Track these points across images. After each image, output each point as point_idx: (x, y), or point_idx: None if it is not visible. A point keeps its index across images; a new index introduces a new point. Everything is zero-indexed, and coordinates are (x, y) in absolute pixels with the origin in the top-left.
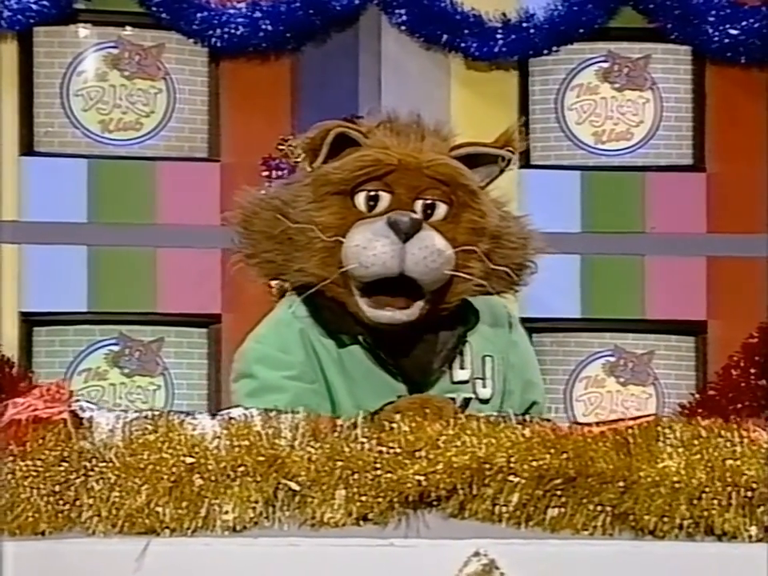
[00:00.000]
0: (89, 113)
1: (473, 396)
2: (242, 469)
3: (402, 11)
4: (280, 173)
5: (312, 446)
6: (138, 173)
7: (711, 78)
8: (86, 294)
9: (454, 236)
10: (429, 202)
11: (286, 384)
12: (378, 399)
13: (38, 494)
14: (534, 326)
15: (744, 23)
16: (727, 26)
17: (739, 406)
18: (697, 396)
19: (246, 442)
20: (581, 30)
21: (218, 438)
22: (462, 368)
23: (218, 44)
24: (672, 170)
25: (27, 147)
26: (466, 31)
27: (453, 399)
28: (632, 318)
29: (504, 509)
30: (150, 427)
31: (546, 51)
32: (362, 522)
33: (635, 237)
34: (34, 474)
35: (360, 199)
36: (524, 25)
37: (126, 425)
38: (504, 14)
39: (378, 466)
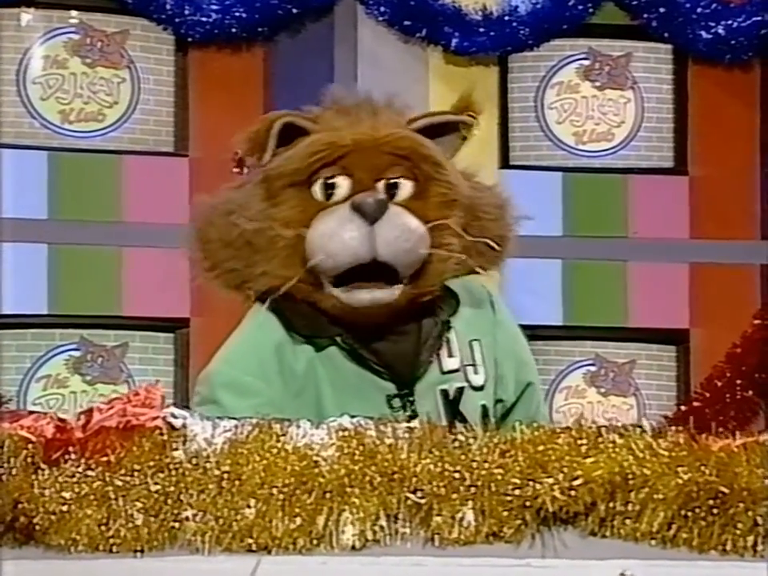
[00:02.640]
0: (47, 102)
1: (465, 385)
2: (360, 481)
3: (380, 1)
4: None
5: (432, 457)
6: (102, 167)
7: (693, 78)
8: (45, 296)
9: (425, 213)
10: (392, 181)
11: (250, 414)
12: (365, 402)
13: (136, 508)
14: None
15: (731, 21)
16: (713, 24)
17: (725, 417)
18: (683, 408)
19: (362, 452)
20: (565, 26)
21: (330, 447)
22: (450, 356)
23: (187, 31)
24: (653, 173)
25: None
26: (446, 24)
27: (445, 391)
28: (614, 326)
29: (648, 527)
30: (252, 436)
31: (529, 47)
32: (492, 540)
33: (617, 242)
34: (130, 486)
35: (317, 188)
36: (506, 19)
37: (225, 433)
38: (485, 7)
39: (509, 479)
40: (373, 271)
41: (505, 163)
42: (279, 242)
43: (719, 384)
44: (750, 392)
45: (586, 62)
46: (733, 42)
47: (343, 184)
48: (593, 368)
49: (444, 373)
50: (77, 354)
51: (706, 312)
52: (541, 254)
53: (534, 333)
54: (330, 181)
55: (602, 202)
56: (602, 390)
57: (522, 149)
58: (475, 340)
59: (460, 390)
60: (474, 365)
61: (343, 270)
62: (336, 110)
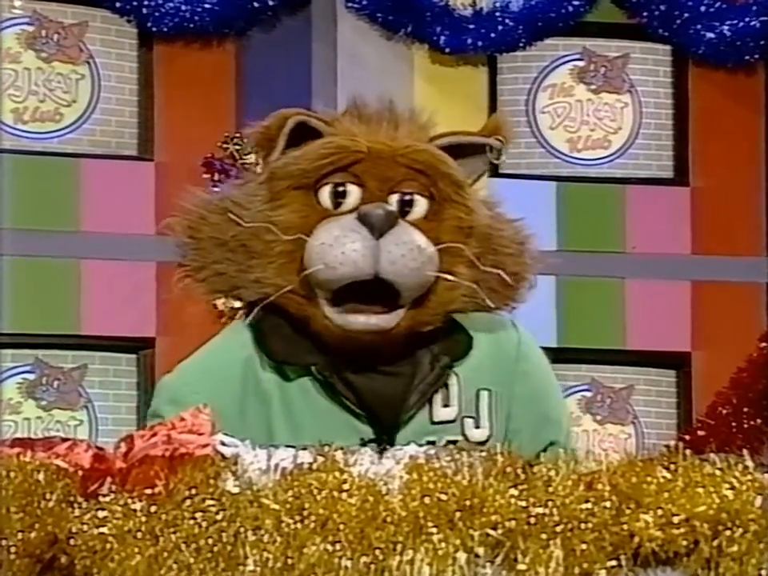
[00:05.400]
0: (1, 101)
1: (459, 439)
2: (435, 515)
3: None
4: (224, 175)
5: (513, 491)
6: (59, 171)
7: (694, 82)
8: None
9: (437, 235)
10: (406, 197)
11: None
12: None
13: (187, 546)
14: None
15: (736, 21)
16: (717, 23)
17: (731, 448)
18: (685, 437)
19: (436, 485)
20: (559, 24)
21: (399, 479)
22: (446, 405)
23: (153, 24)
24: (652, 184)
25: None
26: (433, 20)
27: (432, 443)
28: (611, 349)
29: (755, 570)
30: (311, 467)
31: (521, 46)
32: None
33: (614, 257)
34: (179, 521)
35: (325, 194)
36: (497, 15)
37: (282, 463)
38: (475, 3)
39: (600, 514)
40: (373, 291)
41: (494, 171)
42: (276, 248)
43: (724, 412)
44: (758, 420)
45: (581, 63)
46: (738, 42)
47: (353, 192)
48: (588, 393)
49: (434, 423)
50: (31, 376)
51: (709, 334)
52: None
53: None
54: (341, 188)
55: (598, 214)
56: (598, 418)
57: (512, 156)
58: (485, 389)
59: (452, 444)
60: (475, 417)
61: (342, 284)
62: (355, 116)
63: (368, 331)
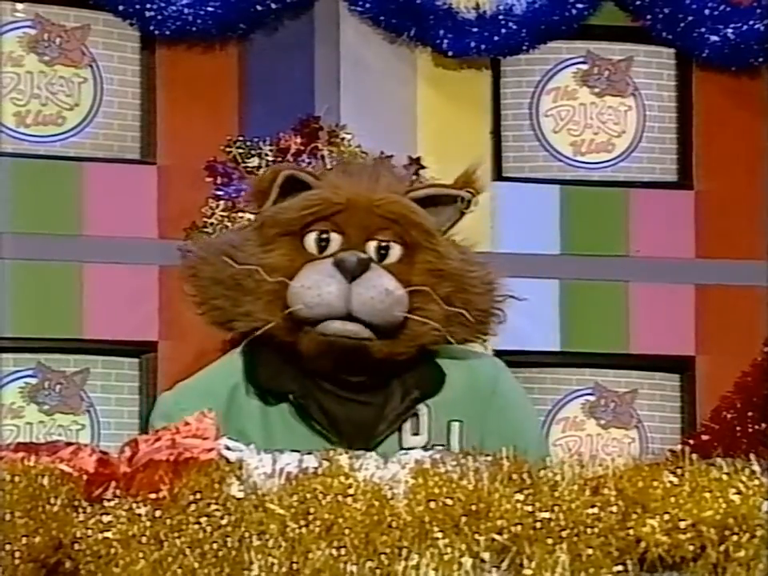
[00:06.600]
0: (1, 103)
1: None
2: (441, 520)
3: None
4: (226, 179)
5: (519, 495)
6: (61, 175)
7: (698, 85)
8: None
9: (409, 278)
10: (382, 243)
11: None
12: None
13: (192, 551)
14: (505, 360)
15: (740, 24)
16: (721, 26)
17: (735, 452)
18: (689, 441)
19: (442, 489)
20: (563, 27)
21: (405, 483)
22: (415, 433)
23: (155, 27)
24: (656, 187)
25: None
26: (437, 24)
27: None
28: (614, 352)
29: (763, 575)
30: (316, 471)
31: (525, 49)
32: None
33: (618, 261)
34: (184, 526)
35: (310, 240)
36: (501, 19)
37: (287, 468)
38: (478, 6)
39: (606, 519)
40: None
41: (497, 175)
42: (264, 287)
43: (728, 416)
44: (763, 425)
45: (584, 66)
46: (742, 46)
47: (335, 239)
48: (592, 398)
49: (404, 449)
50: (33, 380)
51: (713, 337)
52: (536, 274)
53: (529, 359)
54: (324, 236)
55: (602, 217)
56: (602, 422)
57: (515, 159)
58: (456, 421)
59: None
60: (446, 446)
61: (319, 320)
62: (340, 170)
63: (346, 336)
